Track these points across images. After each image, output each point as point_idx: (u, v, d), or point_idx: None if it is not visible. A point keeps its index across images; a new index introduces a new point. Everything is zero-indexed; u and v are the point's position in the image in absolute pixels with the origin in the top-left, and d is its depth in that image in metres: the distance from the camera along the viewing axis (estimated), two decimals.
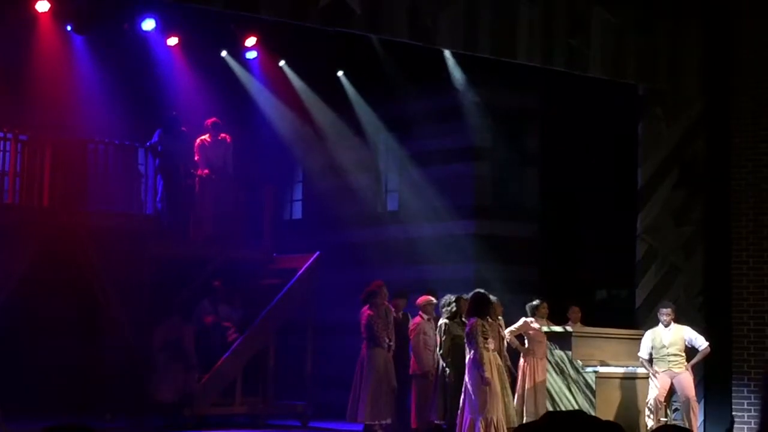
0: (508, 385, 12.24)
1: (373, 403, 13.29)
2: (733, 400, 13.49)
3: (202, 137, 15.42)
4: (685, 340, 12.75)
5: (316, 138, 17.30)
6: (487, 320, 11.84)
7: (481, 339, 11.52)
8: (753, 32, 13.71)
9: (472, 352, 11.58)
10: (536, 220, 16.59)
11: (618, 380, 12.93)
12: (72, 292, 14.61)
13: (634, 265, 13.94)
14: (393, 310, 13.77)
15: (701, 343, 12.79)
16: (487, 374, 11.43)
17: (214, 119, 15.49)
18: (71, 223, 14.07)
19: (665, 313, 12.80)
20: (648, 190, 13.92)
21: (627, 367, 13.03)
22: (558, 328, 13.35)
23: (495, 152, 16.44)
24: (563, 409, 12.76)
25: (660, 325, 12.80)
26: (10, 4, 13.76)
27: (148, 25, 14.63)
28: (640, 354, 12.80)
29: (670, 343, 12.68)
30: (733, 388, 13.50)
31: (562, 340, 13.10)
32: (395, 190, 17.71)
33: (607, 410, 12.69)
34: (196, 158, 15.39)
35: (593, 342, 13.19)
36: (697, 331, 12.95)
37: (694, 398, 12.69)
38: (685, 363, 12.71)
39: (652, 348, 12.71)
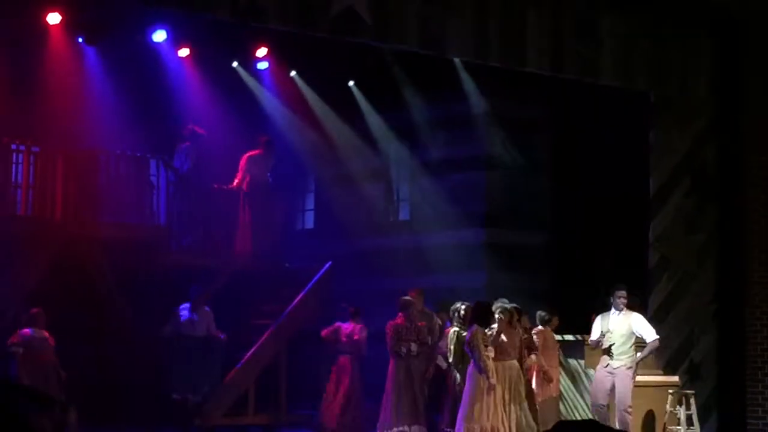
0: (523, 396, 12.15)
1: (395, 411, 13.25)
2: (748, 407, 13.44)
3: (253, 152, 15.50)
4: (632, 329, 12.08)
5: (327, 148, 17.31)
6: (491, 328, 11.84)
7: (482, 347, 11.54)
8: (762, 38, 13.70)
9: (473, 360, 11.60)
10: (547, 228, 16.57)
11: None
12: (84, 303, 14.61)
13: (646, 273, 13.90)
14: (438, 320, 13.71)
15: (649, 335, 12.08)
16: (493, 380, 11.44)
17: (268, 138, 15.58)
18: (83, 234, 14.09)
19: (620, 295, 12.17)
20: (660, 198, 13.89)
21: (639, 375, 12.96)
22: (570, 337, 13.31)
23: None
24: (577, 418, 12.73)
25: (612, 309, 12.26)
26: (22, 17, 13.79)
27: (160, 36, 14.65)
28: (590, 338, 12.26)
29: (614, 329, 12.08)
30: (748, 396, 13.44)
31: (575, 349, 13.06)
32: (406, 199, 17.72)
33: None
34: (239, 171, 15.42)
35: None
36: (711, 338, 12.85)
37: (630, 408, 11.92)
38: (631, 357, 12.07)
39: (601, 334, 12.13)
